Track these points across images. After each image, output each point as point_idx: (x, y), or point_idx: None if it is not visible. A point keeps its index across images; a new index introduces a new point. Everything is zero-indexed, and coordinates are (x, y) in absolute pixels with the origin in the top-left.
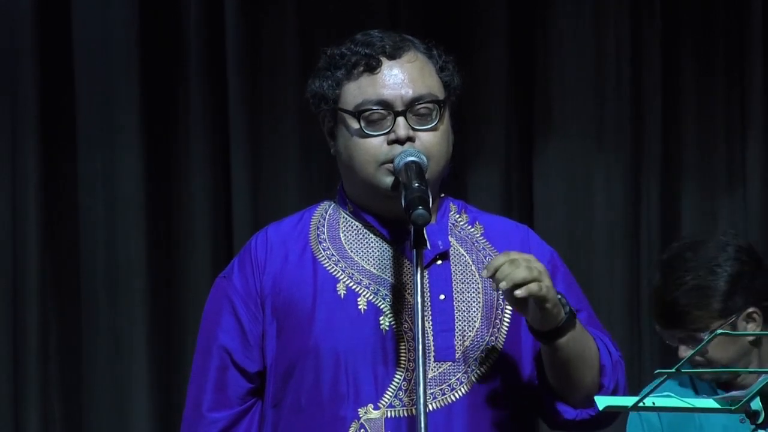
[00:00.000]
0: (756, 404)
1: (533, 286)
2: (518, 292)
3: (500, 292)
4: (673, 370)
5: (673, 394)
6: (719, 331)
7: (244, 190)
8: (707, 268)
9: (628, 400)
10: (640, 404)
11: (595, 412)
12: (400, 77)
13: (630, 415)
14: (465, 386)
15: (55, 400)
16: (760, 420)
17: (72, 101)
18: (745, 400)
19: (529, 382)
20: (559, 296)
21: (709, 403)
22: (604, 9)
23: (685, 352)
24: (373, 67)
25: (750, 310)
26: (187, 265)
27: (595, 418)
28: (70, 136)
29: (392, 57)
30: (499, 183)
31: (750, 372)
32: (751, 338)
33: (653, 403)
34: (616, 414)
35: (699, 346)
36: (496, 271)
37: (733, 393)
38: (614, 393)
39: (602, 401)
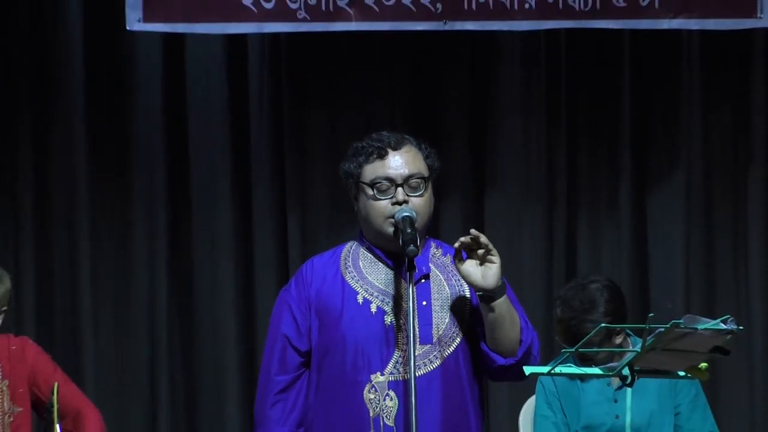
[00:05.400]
0: (625, 371)
1: (492, 247)
2: (483, 240)
3: (461, 267)
4: (573, 349)
5: (572, 365)
6: (602, 324)
7: (297, 235)
8: (594, 307)
9: (545, 368)
10: (553, 371)
11: (515, 360)
12: (400, 162)
13: (537, 386)
14: (439, 360)
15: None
16: (629, 381)
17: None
18: (619, 368)
19: (478, 356)
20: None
21: (596, 370)
22: (530, 115)
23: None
24: (383, 155)
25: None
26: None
27: (516, 363)
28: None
29: (395, 149)
30: (461, 225)
31: (622, 351)
32: (617, 343)
33: (560, 371)
34: (528, 362)
35: (586, 338)
36: (477, 237)
37: (610, 364)
38: (530, 348)
39: (528, 369)
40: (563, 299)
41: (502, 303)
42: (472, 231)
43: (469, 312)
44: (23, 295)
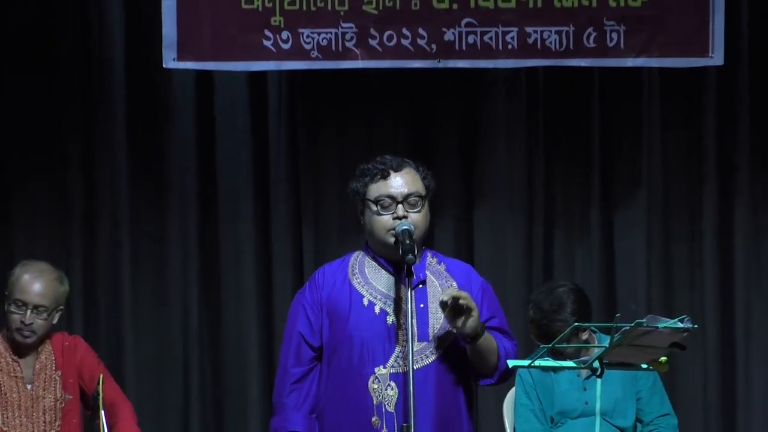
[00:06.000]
0: (596, 364)
1: (471, 303)
2: (462, 301)
3: (446, 313)
4: (550, 345)
5: (549, 359)
6: (576, 324)
7: (311, 245)
8: (562, 308)
9: (525, 362)
10: (533, 365)
11: (492, 382)
12: (400, 182)
13: (516, 378)
14: (434, 356)
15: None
16: (599, 373)
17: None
18: (590, 361)
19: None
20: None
21: (570, 363)
22: (513, 141)
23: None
24: (386, 176)
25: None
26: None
27: (492, 384)
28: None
29: (396, 170)
30: (453, 236)
31: (590, 347)
32: (584, 339)
33: (539, 364)
34: (507, 378)
35: (560, 336)
36: (458, 297)
37: (583, 358)
38: (506, 371)
39: (511, 363)
40: (534, 302)
41: (481, 342)
42: (453, 292)
43: (454, 336)
44: (72, 298)
